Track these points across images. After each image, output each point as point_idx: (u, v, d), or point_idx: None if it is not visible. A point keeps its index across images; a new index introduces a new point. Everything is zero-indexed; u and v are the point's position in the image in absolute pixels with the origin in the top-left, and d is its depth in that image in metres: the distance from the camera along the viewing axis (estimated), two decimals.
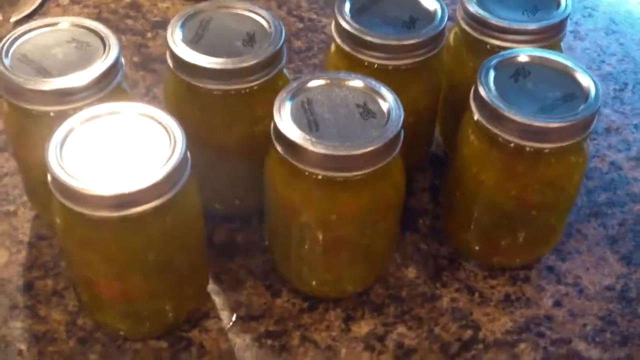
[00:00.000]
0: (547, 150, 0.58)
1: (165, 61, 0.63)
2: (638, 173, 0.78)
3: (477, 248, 0.67)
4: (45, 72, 0.59)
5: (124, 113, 0.56)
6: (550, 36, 0.66)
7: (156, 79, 0.84)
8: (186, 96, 0.62)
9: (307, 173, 0.55)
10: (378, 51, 0.63)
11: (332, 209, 0.57)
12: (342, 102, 0.58)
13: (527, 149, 0.58)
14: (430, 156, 0.77)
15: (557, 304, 0.66)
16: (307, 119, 0.56)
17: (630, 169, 0.78)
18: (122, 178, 0.51)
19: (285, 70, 0.64)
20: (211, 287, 0.65)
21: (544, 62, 0.61)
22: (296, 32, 0.92)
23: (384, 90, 0.58)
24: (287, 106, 0.57)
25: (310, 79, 0.59)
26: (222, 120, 0.62)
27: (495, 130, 0.58)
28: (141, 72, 0.86)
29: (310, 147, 0.54)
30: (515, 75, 0.61)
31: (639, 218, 0.74)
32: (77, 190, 0.50)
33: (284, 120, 0.56)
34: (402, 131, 0.57)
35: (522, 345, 0.63)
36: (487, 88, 0.59)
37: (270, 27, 0.63)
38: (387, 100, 0.58)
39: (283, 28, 0.63)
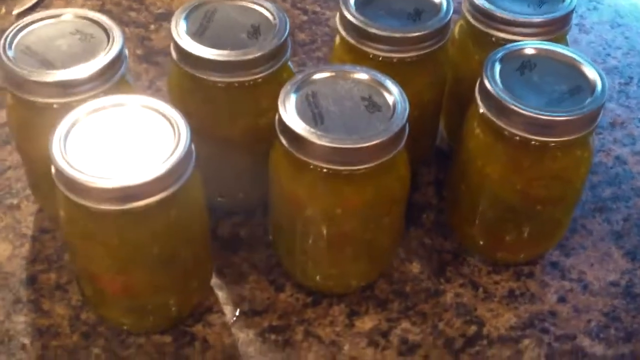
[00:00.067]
0: (553, 144, 0.58)
1: (169, 53, 0.62)
2: None
3: (481, 243, 0.67)
4: (49, 64, 0.58)
5: (128, 105, 0.56)
6: (556, 29, 0.66)
7: (159, 72, 0.84)
8: (190, 88, 0.62)
9: (311, 166, 0.55)
10: (383, 44, 0.63)
11: (337, 202, 0.57)
12: (347, 95, 0.57)
13: (533, 142, 0.58)
14: (435, 150, 0.77)
15: (562, 299, 0.66)
16: (312, 112, 0.56)
17: (635, 163, 0.78)
18: (126, 171, 0.51)
19: (289, 63, 0.64)
20: (214, 281, 0.65)
21: (550, 55, 0.61)
22: (300, 25, 0.92)
23: (389, 83, 0.58)
24: (292, 99, 0.56)
25: (315, 72, 0.59)
26: (226, 113, 0.62)
27: (501, 124, 0.58)
28: (144, 65, 0.85)
29: (315, 140, 0.54)
30: (521, 68, 0.60)
31: None
32: (81, 183, 0.50)
33: (289, 113, 0.55)
34: (408, 124, 0.56)
35: (526, 341, 0.63)
36: (493, 81, 0.58)
37: (275, 19, 0.62)
38: (393, 93, 0.57)
39: (288, 20, 0.62)
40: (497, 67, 0.60)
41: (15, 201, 0.71)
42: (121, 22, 0.90)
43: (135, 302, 0.59)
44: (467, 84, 0.64)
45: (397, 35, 0.62)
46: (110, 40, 0.60)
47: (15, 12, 0.91)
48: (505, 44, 0.62)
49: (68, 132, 0.53)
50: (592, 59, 0.77)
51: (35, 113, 0.59)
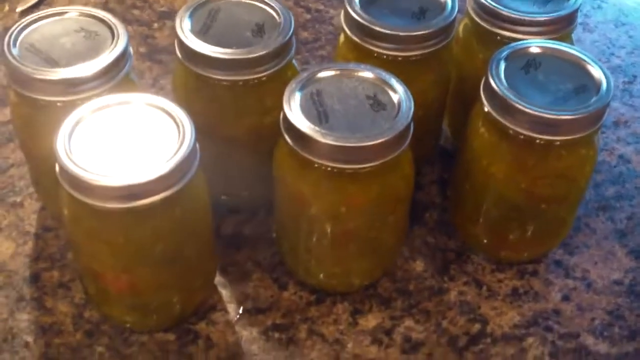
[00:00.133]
0: (558, 143, 0.58)
1: (173, 52, 0.62)
2: None
3: (485, 241, 0.67)
4: (53, 62, 0.58)
5: (132, 103, 0.55)
6: (561, 27, 0.66)
7: (163, 70, 0.84)
8: (195, 87, 0.62)
9: (316, 165, 0.55)
10: (387, 42, 0.63)
11: (342, 201, 0.57)
12: (352, 93, 0.57)
13: (538, 141, 0.58)
14: (438, 149, 0.77)
15: (565, 298, 0.66)
16: (317, 110, 0.56)
17: (639, 162, 0.78)
18: (131, 169, 0.51)
19: (294, 61, 0.64)
20: (218, 279, 0.65)
21: (555, 54, 0.61)
22: (303, 23, 0.92)
23: (394, 82, 0.58)
24: (297, 97, 0.56)
25: (320, 70, 0.59)
26: (231, 111, 0.62)
27: (506, 122, 0.58)
28: (148, 63, 0.85)
29: (320, 139, 0.53)
30: (526, 67, 0.60)
31: None
32: (85, 181, 0.50)
33: (294, 111, 0.55)
34: (412, 123, 0.56)
35: (530, 340, 0.63)
36: (498, 79, 0.58)
37: (279, 17, 0.62)
38: (398, 92, 0.57)
39: (292, 18, 0.62)
40: (502, 66, 0.60)
41: (18, 199, 0.71)
42: (124, 20, 0.90)
43: (138, 300, 0.59)
44: (471, 83, 0.64)
45: (401, 33, 0.62)
46: (115, 38, 0.60)
47: (18, 9, 0.91)
48: (510, 43, 0.62)
49: (72, 130, 0.53)
50: (596, 57, 0.77)
51: (39, 111, 0.59)
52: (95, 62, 0.58)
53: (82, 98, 0.57)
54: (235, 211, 0.70)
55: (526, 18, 0.65)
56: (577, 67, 0.60)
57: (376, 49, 0.63)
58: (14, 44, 0.59)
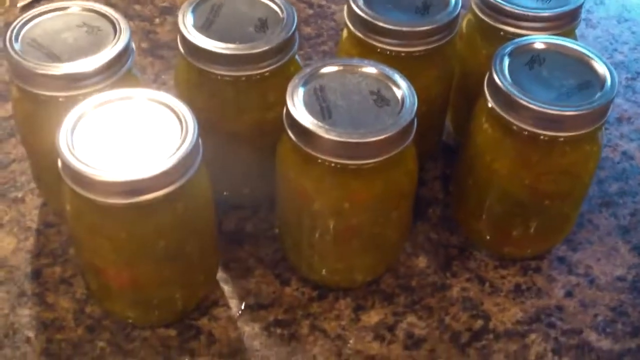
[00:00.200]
0: (562, 139, 0.58)
1: (174, 47, 0.62)
2: None
3: (488, 237, 0.67)
4: (55, 57, 0.58)
5: (135, 99, 0.55)
6: (565, 23, 0.66)
7: (165, 65, 0.84)
8: (197, 82, 0.61)
9: (319, 160, 0.55)
10: (391, 37, 0.62)
11: (345, 197, 0.56)
12: (355, 89, 0.57)
13: (542, 137, 0.57)
14: (441, 145, 0.77)
15: (568, 294, 0.66)
16: (320, 106, 0.55)
17: None
18: (134, 165, 0.51)
19: (297, 57, 0.64)
20: (220, 275, 0.65)
21: (559, 50, 0.61)
22: (306, 19, 0.92)
23: (398, 77, 0.58)
24: (300, 92, 0.56)
25: (323, 65, 0.58)
26: (233, 107, 0.62)
27: (510, 118, 0.58)
28: (149, 59, 0.85)
29: (323, 134, 0.53)
30: (530, 63, 0.60)
31: None
32: (88, 177, 0.50)
33: (297, 106, 0.55)
34: (416, 119, 0.56)
35: (533, 336, 0.63)
36: (502, 75, 0.58)
37: (282, 12, 0.62)
38: (401, 88, 0.57)
39: (295, 13, 0.62)
40: (506, 62, 0.59)
41: (19, 194, 0.71)
42: (126, 16, 0.88)
43: (140, 296, 0.58)
44: (475, 79, 0.64)
45: (405, 29, 0.62)
46: (117, 33, 0.60)
47: (20, 4, 0.90)
48: (513, 39, 0.62)
49: (75, 126, 0.53)
50: (599, 54, 0.76)
51: (41, 106, 0.58)
52: (97, 57, 0.58)
53: (85, 93, 0.57)
54: (237, 207, 0.70)
55: (530, 13, 0.64)
56: (582, 63, 0.60)
57: (379, 44, 0.63)
58: (16, 39, 0.59)
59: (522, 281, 0.67)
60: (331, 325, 0.63)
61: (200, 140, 0.54)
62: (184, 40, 0.60)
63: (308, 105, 0.55)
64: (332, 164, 0.54)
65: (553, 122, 0.56)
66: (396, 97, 0.57)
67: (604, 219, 0.72)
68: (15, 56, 0.57)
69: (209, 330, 0.62)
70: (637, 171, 0.77)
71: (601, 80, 0.59)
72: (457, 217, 0.70)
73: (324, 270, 0.63)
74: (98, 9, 0.62)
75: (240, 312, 0.63)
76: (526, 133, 0.57)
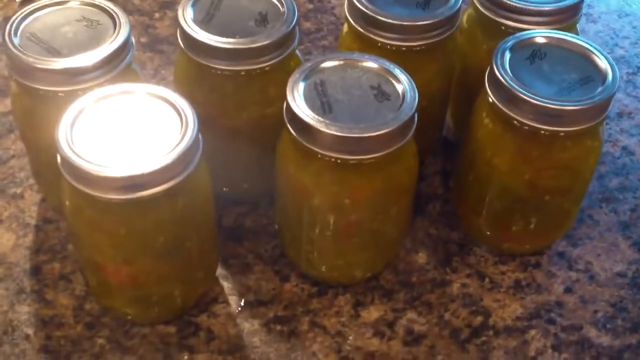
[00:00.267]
0: (562, 134, 0.57)
1: (174, 42, 0.62)
2: None
3: (488, 233, 0.67)
4: (54, 52, 0.58)
5: (135, 94, 0.55)
6: (567, 18, 0.65)
7: (164, 60, 0.84)
8: (197, 77, 0.61)
9: (319, 155, 0.54)
10: (391, 32, 0.62)
11: (345, 192, 0.56)
12: (355, 84, 0.57)
13: (543, 132, 0.57)
14: (441, 140, 0.76)
15: (568, 290, 0.66)
16: (321, 101, 0.55)
17: None
18: (133, 160, 0.50)
19: (297, 51, 0.64)
20: (219, 271, 0.65)
21: (560, 44, 0.61)
22: (305, 14, 0.92)
23: (399, 72, 0.57)
24: (300, 87, 0.56)
25: (324, 60, 0.58)
26: (233, 102, 0.61)
27: (511, 113, 0.57)
28: (149, 53, 0.85)
29: (324, 129, 0.53)
30: (531, 57, 0.60)
31: None
32: (87, 172, 0.50)
33: (297, 101, 0.55)
34: (417, 114, 0.56)
35: (533, 332, 0.63)
36: (503, 70, 0.58)
37: (282, 6, 0.62)
38: (402, 82, 0.57)
39: (296, 7, 0.62)
40: (507, 56, 0.59)
41: (18, 190, 0.70)
42: (125, 10, 0.88)
43: (140, 292, 0.58)
44: (475, 74, 0.63)
45: (405, 23, 0.62)
46: (117, 27, 0.60)
47: None
48: (514, 33, 0.62)
49: (74, 121, 0.53)
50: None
51: (41, 101, 0.58)
52: (97, 52, 0.58)
53: (84, 88, 0.56)
54: (236, 203, 0.70)
55: (531, 8, 0.64)
56: (583, 58, 0.60)
57: (380, 39, 0.63)
58: (15, 34, 0.59)
59: (522, 277, 0.66)
60: (331, 322, 0.63)
61: (200, 135, 0.53)
62: (184, 35, 0.60)
63: (308, 99, 0.55)
64: (332, 159, 0.54)
65: (554, 117, 0.56)
66: (397, 92, 0.56)
67: (604, 214, 0.72)
68: (15, 51, 0.57)
69: (209, 327, 0.62)
70: (637, 166, 0.76)
71: (602, 75, 0.58)
72: (457, 213, 0.70)
73: (323, 266, 0.63)
74: (97, 3, 0.62)
75: (239, 308, 0.63)
76: (527, 128, 0.57)
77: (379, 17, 0.62)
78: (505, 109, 0.58)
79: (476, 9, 0.67)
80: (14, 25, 0.59)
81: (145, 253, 0.55)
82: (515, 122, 0.58)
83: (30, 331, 0.61)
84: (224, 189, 0.67)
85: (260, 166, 0.64)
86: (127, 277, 0.57)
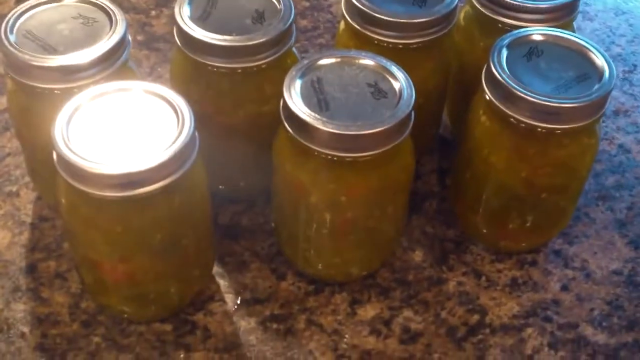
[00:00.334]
0: (559, 131, 0.57)
1: (170, 40, 0.62)
2: None
3: (484, 231, 0.67)
4: (50, 49, 0.58)
5: (131, 91, 0.55)
6: (563, 15, 0.65)
7: (160, 58, 0.83)
8: (193, 74, 0.61)
9: (316, 153, 0.54)
10: (388, 29, 0.62)
11: (342, 190, 0.56)
12: (352, 81, 0.57)
13: (539, 129, 0.57)
14: (438, 138, 0.76)
15: (564, 288, 0.66)
16: (317, 98, 0.55)
17: (639, 151, 0.78)
18: (129, 157, 0.50)
19: (294, 49, 0.63)
20: (216, 269, 0.65)
21: (557, 42, 0.61)
22: (302, 11, 0.91)
23: (395, 70, 0.57)
24: (297, 85, 0.56)
25: (321, 57, 0.58)
26: (229, 99, 0.61)
27: (507, 111, 0.57)
28: (145, 51, 0.85)
29: (320, 127, 0.53)
30: (528, 55, 0.60)
31: None
32: (83, 169, 0.50)
33: (294, 99, 0.55)
34: (413, 111, 0.56)
35: (529, 330, 0.63)
36: (500, 67, 0.58)
37: (279, 4, 0.62)
38: (399, 80, 0.57)
39: (292, 5, 0.62)
40: (504, 53, 0.59)
41: (14, 188, 0.70)
42: (121, 8, 0.88)
43: (136, 290, 0.58)
44: (472, 71, 0.63)
45: (402, 21, 0.62)
46: (113, 25, 0.60)
47: None
48: (511, 30, 0.62)
49: (70, 118, 0.52)
50: None
51: (37, 99, 0.58)
52: (93, 49, 0.57)
53: (80, 85, 0.56)
54: (233, 201, 0.70)
55: (528, 5, 0.64)
56: (580, 55, 0.60)
57: (377, 36, 0.63)
58: (11, 31, 0.58)
59: (518, 275, 0.66)
60: (327, 320, 0.62)
61: (196, 133, 0.53)
62: (180, 32, 0.60)
63: (305, 97, 0.55)
64: (329, 157, 0.54)
65: (551, 114, 0.56)
66: (394, 90, 0.56)
67: (601, 212, 0.72)
68: (10, 48, 0.57)
69: (205, 325, 0.62)
70: (633, 164, 0.76)
71: (599, 73, 0.58)
72: (454, 211, 0.70)
73: (320, 264, 0.63)
74: (94, 1, 0.61)
75: (236, 306, 0.63)
76: (524, 125, 0.57)
77: (376, 15, 0.62)
78: (502, 107, 0.58)
79: (473, 6, 0.67)
80: (10, 22, 0.59)
81: (142, 251, 0.55)
82: (512, 119, 0.57)
83: (25, 329, 0.61)
84: (220, 186, 0.67)
85: (256, 164, 0.64)
86: (123, 275, 0.56)
